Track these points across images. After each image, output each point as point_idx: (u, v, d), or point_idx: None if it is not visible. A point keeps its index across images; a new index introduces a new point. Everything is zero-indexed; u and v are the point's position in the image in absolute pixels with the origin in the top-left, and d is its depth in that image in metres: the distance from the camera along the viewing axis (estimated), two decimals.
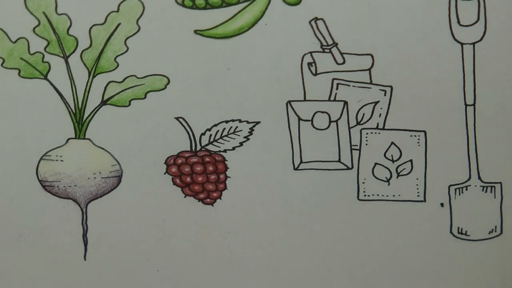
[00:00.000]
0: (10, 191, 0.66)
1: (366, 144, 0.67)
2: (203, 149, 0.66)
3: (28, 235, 0.66)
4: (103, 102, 0.65)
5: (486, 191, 0.68)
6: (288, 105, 0.66)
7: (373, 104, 0.66)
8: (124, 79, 0.65)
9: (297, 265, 0.68)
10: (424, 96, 0.66)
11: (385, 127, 0.66)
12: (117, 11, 0.63)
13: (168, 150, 0.66)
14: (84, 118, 0.65)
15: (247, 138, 0.66)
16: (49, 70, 0.64)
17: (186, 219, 0.67)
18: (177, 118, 0.65)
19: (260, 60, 0.65)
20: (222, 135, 0.66)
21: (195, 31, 0.64)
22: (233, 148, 0.66)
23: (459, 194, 0.67)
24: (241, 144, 0.66)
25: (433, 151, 0.67)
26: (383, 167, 0.67)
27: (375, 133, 0.67)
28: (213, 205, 0.67)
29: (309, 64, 0.65)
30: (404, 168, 0.67)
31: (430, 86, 0.66)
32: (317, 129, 0.66)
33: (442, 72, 0.66)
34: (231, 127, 0.66)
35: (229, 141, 0.66)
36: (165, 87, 0.65)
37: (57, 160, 0.65)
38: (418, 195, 0.67)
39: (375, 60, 0.65)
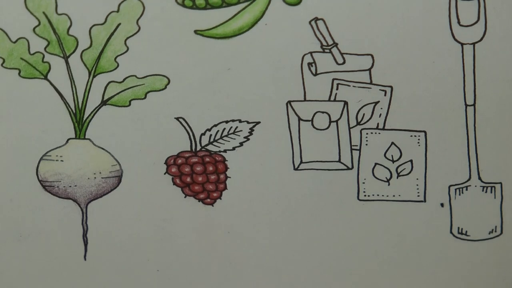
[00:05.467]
0: (10, 191, 0.66)
1: (366, 144, 0.67)
2: (203, 149, 0.66)
3: (28, 235, 0.66)
4: (103, 102, 0.65)
5: (486, 191, 0.68)
6: (288, 105, 0.66)
7: (373, 104, 0.66)
8: (124, 79, 0.65)
9: (297, 265, 0.68)
10: (424, 96, 0.66)
11: (385, 127, 0.66)
12: (117, 11, 0.63)
13: (168, 150, 0.66)
14: (84, 118, 0.65)
15: (247, 138, 0.66)
16: (49, 70, 0.64)
17: (186, 219, 0.67)
18: (177, 118, 0.65)
19: (260, 60, 0.65)
20: (222, 135, 0.66)
21: (195, 31, 0.64)
22: (233, 148, 0.66)
23: (459, 194, 0.67)
24: (241, 144, 0.66)
25: (433, 151, 0.67)
26: (383, 167, 0.67)
27: (375, 133, 0.67)
28: (213, 205, 0.67)
29: (309, 64, 0.65)
30: (404, 168, 0.67)
31: (430, 86, 0.66)
32: (317, 129, 0.66)
33: (442, 72, 0.66)
34: (231, 127, 0.66)
35: (229, 141, 0.66)
36: (165, 87, 0.65)
37: (57, 160, 0.65)
38: (418, 195, 0.68)
39: (375, 60, 0.65)
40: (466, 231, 0.68)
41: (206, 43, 0.64)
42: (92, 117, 0.65)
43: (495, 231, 0.68)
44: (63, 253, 0.67)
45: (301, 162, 0.67)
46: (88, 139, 0.65)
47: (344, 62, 0.65)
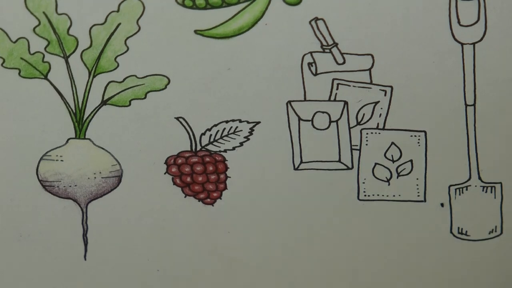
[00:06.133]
0: (10, 191, 0.66)
1: (366, 144, 0.67)
2: (203, 149, 0.66)
3: (28, 235, 0.66)
4: (103, 102, 0.65)
5: (486, 191, 0.68)
6: (288, 105, 0.66)
7: (373, 104, 0.66)
8: (124, 79, 0.65)
9: (297, 265, 0.68)
10: (424, 96, 0.66)
11: (385, 127, 0.66)
12: (117, 11, 0.63)
13: (168, 150, 0.66)
14: (84, 118, 0.65)
15: (247, 138, 0.66)
16: (49, 70, 0.64)
17: (186, 219, 0.67)
18: (177, 118, 0.65)
19: (260, 60, 0.65)
20: (222, 135, 0.66)
21: (195, 31, 0.64)
22: (233, 148, 0.66)
23: (459, 194, 0.67)
24: (241, 144, 0.66)
25: (433, 151, 0.67)
26: (383, 167, 0.67)
27: (375, 133, 0.67)
28: (213, 205, 0.67)
29: (309, 64, 0.65)
30: (404, 168, 0.67)
31: (430, 86, 0.66)
32: (317, 129, 0.66)
33: (442, 72, 0.66)
34: (231, 127, 0.66)
35: (229, 141, 0.66)
36: (165, 87, 0.65)
37: (57, 160, 0.65)
38: (418, 195, 0.68)
39: (375, 60, 0.65)
40: (466, 231, 0.68)
41: (206, 43, 0.64)
42: (92, 117, 0.65)
43: (495, 231, 0.68)
44: (63, 253, 0.67)
45: (301, 162, 0.67)
46: (88, 139, 0.65)
47: (344, 62, 0.65)
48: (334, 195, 0.67)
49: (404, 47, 0.65)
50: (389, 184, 0.67)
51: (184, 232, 0.67)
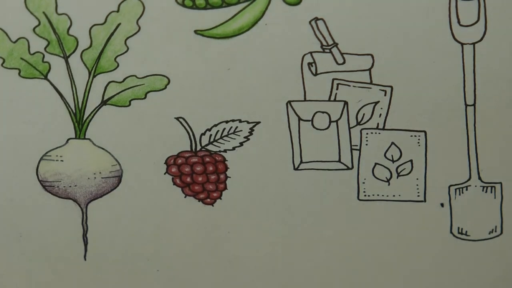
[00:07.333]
0: (10, 191, 0.66)
1: (366, 144, 0.67)
2: (203, 149, 0.66)
3: (28, 235, 0.67)
4: (103, 102, 0.65)
5: (486, 191, 0.68)
6: (288, 105, 0.66)
7: (373, 104, 0.66)
8: (124, 79, 0.65)
9: (297, 265, 0.68)
10: (424, 96, 0.66)
11: (385, 127, 0.66)
12: (117, 11, 0.63)
13: (168, 150, 0.66)
14: (84, 118, 0.65)
15: (247, 138, 0.66)
16: (49, 70, 0.64)
17: (186, 219, 0.67)
18: (177, 118, 0.65)
19: (260, 60, 0.65)
20: (222, 135, 0.66)
21: (195, 31, 0.64)
22: (233, 148, 0.66)
23: (459, 194, 0.67)
24: (241, 144, 0.66)
25: (433, 151, 0.67)
26: (383, 167, 0.67)
27: (375, 133, 0.67)
28: (213, 205, 0.67)
29: (309, 64, 0.65)
30: (404, 168, 0.67)
31: (430, 86, 0.66)
32: (317, 129, 0.66)
33: (442, 72, 0.66)
34: (231, 127, 0.66)
35: (229, 141, 0.66)
36: (165, 87, 0.65)
37: (57, 160, 0.65)
38: (418, 195, 0.67)
39: (375, 60, 0.65)
40: (466, 231, 0.68)
41: (206, 43, 0.64)
42: (92, 117, 0.65)
43: (495, 231, 0.68)
44: (63, 253, 0.67)
45: (301, 162, 0.67)
46: (88, 139, 0.65)
47: (344, 62, 0.65)
48: (334, 195, 0.67)
49: (404, 47, 0.65)
50: (389, 184, 0.67)
51: (184, 232, 0.67)
